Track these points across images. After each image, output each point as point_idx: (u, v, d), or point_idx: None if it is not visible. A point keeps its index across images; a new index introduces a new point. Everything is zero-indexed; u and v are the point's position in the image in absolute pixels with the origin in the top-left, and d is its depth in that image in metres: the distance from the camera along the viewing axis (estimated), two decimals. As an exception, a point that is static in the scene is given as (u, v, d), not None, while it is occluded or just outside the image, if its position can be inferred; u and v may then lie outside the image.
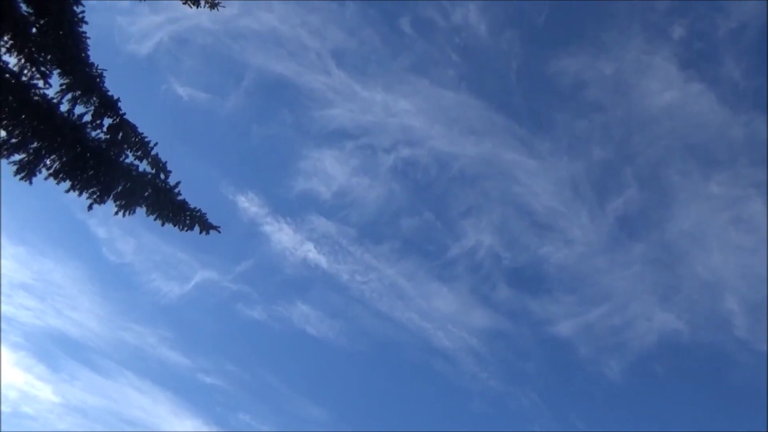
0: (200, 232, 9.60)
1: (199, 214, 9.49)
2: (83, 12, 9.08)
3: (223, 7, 11.11)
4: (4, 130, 8.55)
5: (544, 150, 36.07)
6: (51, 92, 8.85)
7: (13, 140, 8.54)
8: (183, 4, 10.86)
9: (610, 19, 33.05)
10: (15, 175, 8.73)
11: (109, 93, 9.26)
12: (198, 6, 10.98)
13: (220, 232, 9.68)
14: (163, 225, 9.35)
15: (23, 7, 8.75)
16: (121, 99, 9.32)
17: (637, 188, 36.05)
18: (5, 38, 8.35)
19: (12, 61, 8.52)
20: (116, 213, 9.13)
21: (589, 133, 35.48)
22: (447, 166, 35.93)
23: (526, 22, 32.66)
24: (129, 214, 9.15)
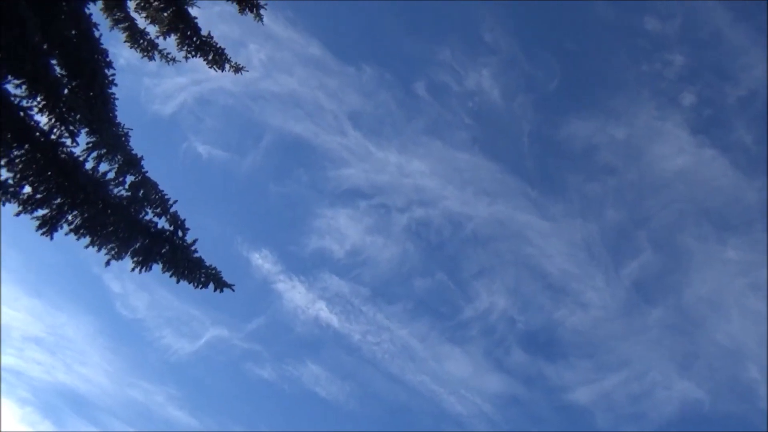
0: (214, 290, 9.57)
1: (214, 271, 9.50)
2: (114, 75, 9.49)
3: (247, 71, 11.56)
4: (29, 185, 8.75)
5: (557, 212, 36.10)
6: (77, 150, 9.12)
7: (38, 196, 8.72)
8: (209, 67, 11.31)
9: (620, 85, 33.79)
10: (37, 230, 8.86)
11: (133, 151, 9.51)
12: (223, 70, 11.43)
13: (234, 290, 9.66)
14: (178, 282, 9.36)
15: (58, 69, 9.17)
16: (144, 157, 9.58)
17: (652, 252, 35.71)
18: (38, 98, 8.68)
19: (43, 120, 8.83)
20: (133, 269, 9.18)
21: (601, 195, 35.57)
22: (460, 226, 35.98)
23: (538, 87, 33.46)
24: (146, 270, 9.19)
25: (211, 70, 11.60)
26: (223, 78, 13.32)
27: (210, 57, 11.23)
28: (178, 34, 10.86)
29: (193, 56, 11.17)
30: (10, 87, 8.60)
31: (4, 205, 8.95)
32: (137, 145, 9.60)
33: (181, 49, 11.13)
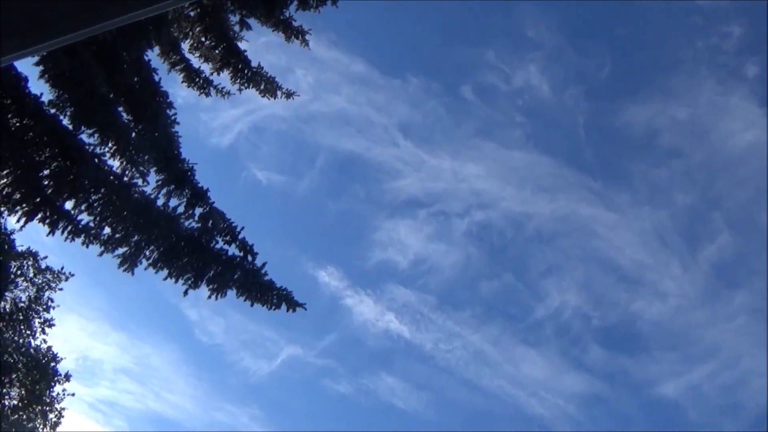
0: (287, 311, 9.85)
1: (285, 292, 9.77)
2: (175, 114, 9.99)
3: (298, 95, 11.91)
4: (108, 227, 9.33)
5: (623, 202, 34.81)
6: (148, 188, 9.67)
7: (117, 235, 9.28)
8: (261, 96, 11.73)
9: (676, 65, 32.35)
10: (119, 268, 9.42)
11: (199, 184, 9.97)
12: (275, 97, 11.82)
13: (306, 309, 9.90)
14: (252, 305, 9.69)
15: (124, 115, 9.77)
16: (209, 189, 10.03)
17: (730, 232, 33.76)
18: (110, 144, 9.28)
19: (115, 163, 9.43)
20: (209, 297, 9.57)
21: (669, 180, 34.05)
22: (522, 226, 35.31)
23: (588, 76, 32.51)
24: (221, 296, 9.56)
25: (264, 99, 12.05)
26: (275, 105, 13.72)
27: (262, 87, 11.65)
28: (231, 69, 11.33)
29: (246, 88, 11.61)
30: (84, 137, 9.27)
31: (87, 247, 9.57)
32: (202, 177, 10.07)
33: (234, 83, 11.60)
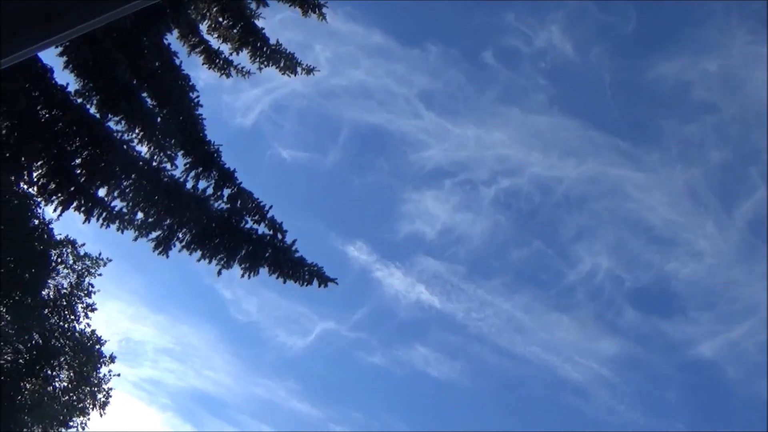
0: (319, 286, 9.97)
1: (316, 268, 9.89)
2: (198, 97, 10.05)
3: (318, 71, 11.85)
4: (141, 212, 9.53)
5: (653, 161, 33.98)
6: (177, 172, 9.82)
7: (150, 220, 9.48)
8: (282, 74, 11.70)
9: (705, 16, 31.13)
10: (153, 251, 9.64)
11: (226, 166, 10.07)
12: (295, 74, 11.78)
13: (337, 284, 10.00)
14: (284, 282, 9.83)
15: (149, 101, 9.87)
16: (236, 169, 10.13)
17: (766, 188, 32.76)
18: (137, 130, 9.41)
19: (143, 149, 9.58)
20: (242, 276, 9.75)
21: (701, 136, 33.04)
22: (550, 191, 34.84)
23: (613, 33, 31.48)
24: (253, 275, 9.73)
25: (284, 77, 12.02)
26: (295, 82, 13.68)
27: (281, 64, 11.62)
28: (249, 48, 11.31)
29: (265, 66, 11.60)
30: (111, 124, 9.42)
31: (122, 233, 9.81)
32: (228, 158, 10.17)
33: (254, 62, 11.59)
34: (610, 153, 34.73)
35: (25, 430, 17.37)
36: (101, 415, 19.06)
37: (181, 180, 9.75)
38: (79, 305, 18.98)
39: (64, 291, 18.80)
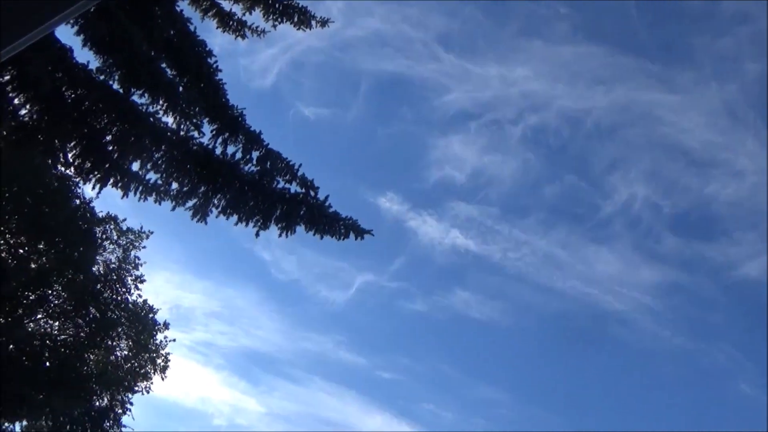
0: (355, 239, 10.08)
1: (351, 221, 9.98)
2: (216, 62, 10.02)
3: (333, 22, 11.61)
4: (176, 181, 9.71)
5: (686, 81, 32.57)
6: (205, 139, 9.91)
7: (185, 189, 9.66)
8: (296, 29, 11.51)
9: None
10: (192, 219, 9.86)
11: (252, 128, 10.11)
12: (310, 27, 11.58)
13: (373, 235, 10.11)
14: (321, 238, 9.98)
15: (168, 71, 9.89)
16: (261, 131, 10.16)
17: (812, 97, 31.10)
18: (161, 101, 9.48)
19: (170, 120, 9.67)
20: (279, 235, 9.91)
21: (735, 50, 31.36)
22: (579, 123, 33.89)
23: (636, -51, 29.70)
24: (290, 234, 9.88)
25: (298, 32, 11.83)
26: (310, 37, 13.46)
27: (295, 19, 11.42)
28: (262, 6, 11.13)
29: (280, 23, 11.42)
30: (135, 98, 9.51)
31: (160, 204, 10.04)
32: (252, 121, 10.20)
33: (267, 20, 11.42)
34: (639, 77, 33.43)
35: (94, 397, 18.47)
36: (162, 379, 20.11)
37: (210, 147, 9.86)
38: (129, 278, 19.74)
39: (113, 266, 19.54)
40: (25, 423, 17.17)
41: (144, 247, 20.22)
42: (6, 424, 15.70)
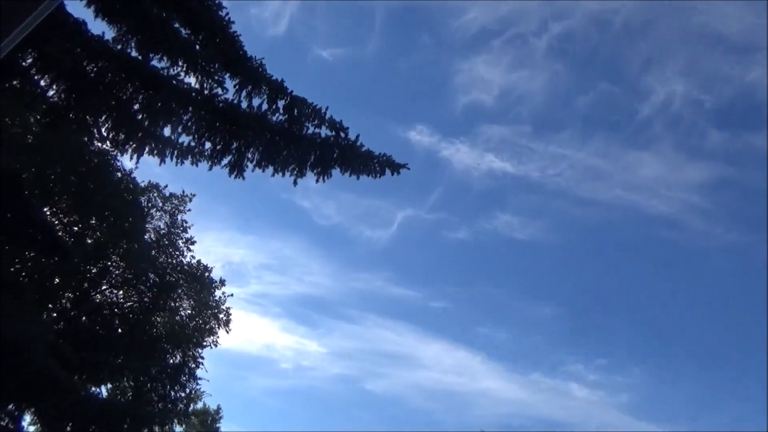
0: (391, 174, 10.04)
1: (385, 158, 9.92)
2: (228, 14, 9.81)
3: (339, -47, 11.11)
4: (208, 141, 9.79)
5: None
6: (229, 95, 9.86)
7: (218, 147, 9.74)
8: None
9: None
10: (229, 176, 9.99)
11: (273, 78, 9.98)
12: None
13: (409, 168, 10.04)
14: (358, 178, 9.97)
15: (183, 31, 9.77)
16: (284, 79, 10.02)
17: None
18: (180, 63, 9.43)
19: (192, 80, 9.64)
20: (316, 181, 9.97)
21: None
22: (607, 24, 32.12)
23: None
24: (327, 177, 9.92)
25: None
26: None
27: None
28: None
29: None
30: (155, 63, 9.48)
31: (197, 166, 10.18)
32: (272, 70, 10.04)
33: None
34: (672, -36, 31.11)
35: (167, 356, 19.60)
36: (227, 332, 21.09)
37: (235, 102, 9.82)
38: (180, 241, 20.41)
39: (163, 231, 20.20)
40: (109, 386, 18.44)
41: (189, 210, 20.78)
42: (93, 389, 16.91)
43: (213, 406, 32.67)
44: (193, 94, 9.47)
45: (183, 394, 19.92)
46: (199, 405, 28.72)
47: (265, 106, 9.93)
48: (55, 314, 17.74)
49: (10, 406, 12.30)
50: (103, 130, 9.97)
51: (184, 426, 27.62)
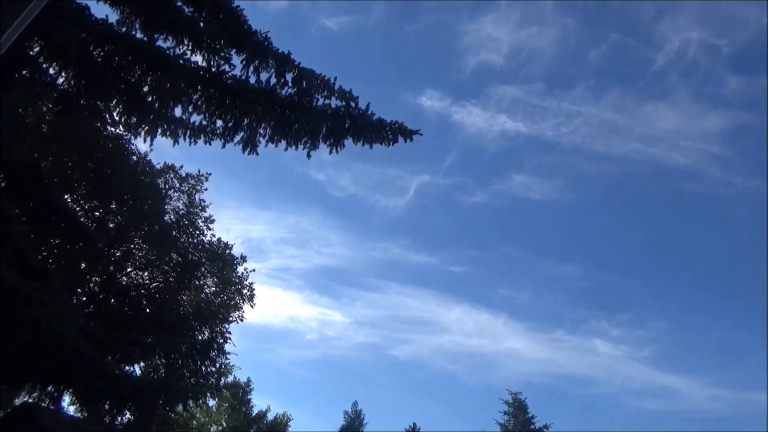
0: (404, 141, 9.96)
1: (397, 125, 9.83)
2: (229, -13, 9.66)
3: None
4: (219, 119, 9.78)
5: None
6: (237, 71, 9.79)
7: (230, 124, 9.73)
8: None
9: None
10: (243, 152, 9.99)
11: (280, 50, 9.87)
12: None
13: (421, 134, 9.95)
14: (371, 147, 9.91)
15: (186, 9, 9.67)
16: (290, 52, 9.91)
17: None
18: (185, 41, 9.37)
19: (198, 59, 9.58)
20: (330, 152, 9.91)
21: None
22: (621, -30, 31.00)
23: None
24: (340, 148, 9.87)
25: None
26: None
27: None
28: None
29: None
30: (161, 43, 9.42)
31: (210, 144, 10.20)
32: (277, 43, 9.92)
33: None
34: None
35: (195, 332, 20.04)
36: (252, 307, 21.47)
37: (243, 77, 9.75)
38: (199, 220, 20.65)
39: (182, 212, 20.44)
40: (142, 364, 18.98)
41: (206, 189, 20.95)
42: (126, 368, 17.41)
43: (243, 379, 33.61)
44: (201, 72, 9.42)
45: (213, 369, 20.45)
46: (230, 378, 29.56)
47: (273, 80, 9.85)
48: (84, 298, 18.19)
49: (50, 388, 12.73)
50: (114, 114, 10.01)
51: (216, 399, 28.47)
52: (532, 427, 23.93)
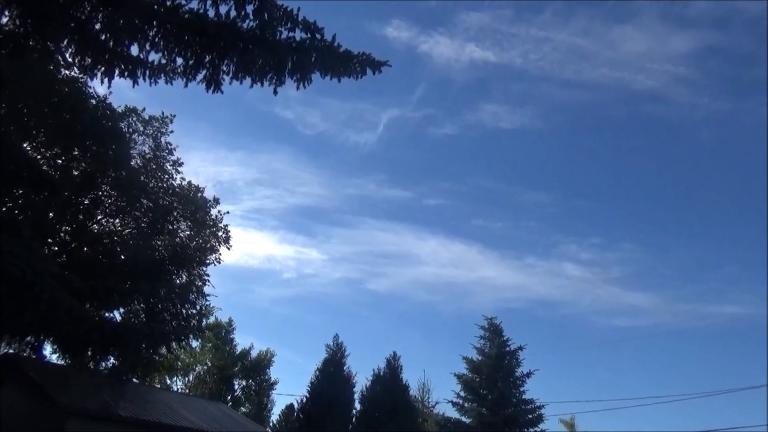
0: (373, 73, 9.73)
1: (364, 56, 9.57)
2: None
3: None
4: (179, 57, 9.38)
5: None
6: (194, 4, 9.30)
7: (191, 62, 9.35)
8: None
9: None
10: (207, 91, 9.66)
11: (238, -20, 9.38)
12: None
13: (390, 65, 9.72)
14: (339, 81, 9.67)
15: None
16: (250, -19, 9.42)
17: None
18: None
19: (151, -7, 9.05)
20: (297, 88, 9.64)
21: None
22: None
23: None
24: (307, 84, 9.60)
25: None
26: None
27: None
28: None
29: None
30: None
31: (171, 84, 9.83)
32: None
33: None
34: None
35: (173, 276, 20.05)
36: (228, 249, 21.47)
37: (201, 11, 9.30)
38: (167, 164, 20.21)
39: (149, 156, 19.94)
40: (121, 310, 19.03)
41: (172, 132, 20.38)
42: (106, 314, 17.45)
43: (225, 320, 34.08)
44: (156, 6, 8.94)
45: (194, 311, 20.64)
46: (212, 320, 29.90)
47: (233, 13, 9.40)
48: (55, 248, 17.92)
49: (29, 338, 12.74)
50: (67, 55, 9.53)
51: (199, 340, 28.92)
52: (507, 348, 24.99)
